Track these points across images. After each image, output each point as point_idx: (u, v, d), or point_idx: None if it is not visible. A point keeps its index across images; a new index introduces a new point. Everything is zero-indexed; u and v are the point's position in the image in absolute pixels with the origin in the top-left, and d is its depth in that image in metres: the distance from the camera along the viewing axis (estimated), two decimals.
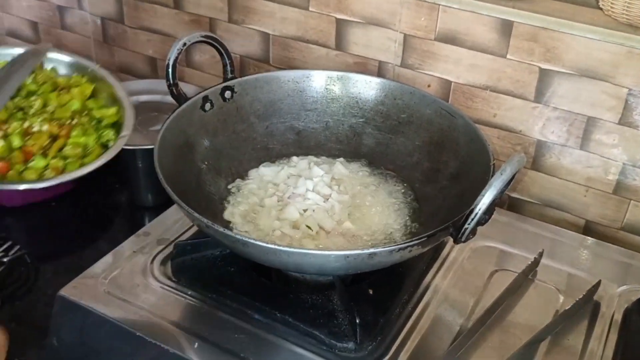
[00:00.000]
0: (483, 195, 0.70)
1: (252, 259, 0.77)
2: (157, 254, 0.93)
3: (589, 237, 1.03)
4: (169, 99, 0.96)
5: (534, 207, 1.13)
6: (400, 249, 0.72)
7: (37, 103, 1.09)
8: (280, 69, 1.27)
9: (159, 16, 1.37)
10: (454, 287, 0.91)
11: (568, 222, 1.11)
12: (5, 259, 0.98)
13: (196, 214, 0.74)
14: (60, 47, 1.56)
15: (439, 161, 0.97)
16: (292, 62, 1.24)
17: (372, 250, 0.71)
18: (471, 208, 0.71)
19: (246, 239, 0.71)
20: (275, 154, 1.04)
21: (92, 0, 1.44)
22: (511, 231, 1.03)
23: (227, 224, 0.91)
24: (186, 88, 0.97)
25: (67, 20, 1.52)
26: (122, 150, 1.05)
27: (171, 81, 0.93)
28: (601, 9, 0.97)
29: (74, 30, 1.52)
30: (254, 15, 1.24)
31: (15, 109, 1.08)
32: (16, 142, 1.01)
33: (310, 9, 1.18)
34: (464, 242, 0.75)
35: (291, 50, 1.24)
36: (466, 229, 0.72)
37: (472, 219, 0.71)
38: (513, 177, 0.73)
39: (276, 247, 0.71)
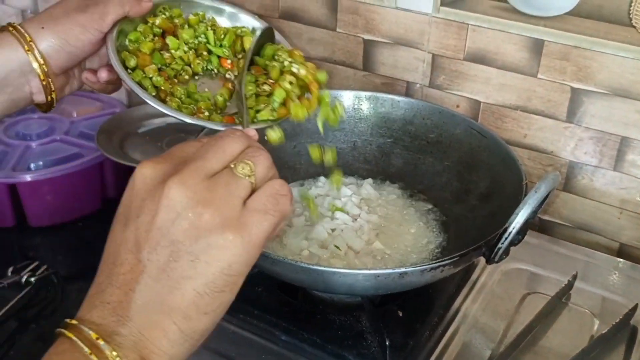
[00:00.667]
0: (517, 214, 0.68)
1: (281, 278, 0.76)
2: None
3: (623, 260, 1.00)
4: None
5: (566, 230, 1.11)
6: (432, 269, 0.70)
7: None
8: None
9: None
10: (484, 311, 0.89)
11: (601, 245, 1.09)
12: (32, 279, 0.97)
13: None
14: None
15: (469, 181, 0.95)
16: None
17: (403, 269, 0.69)
18: (505, 227, 0.69)
19: (275, 257, 0.70)
20: (302, 174, 1.04)
21: None
22: (543, 253, 1.01)
23: None
24: None
25: None
26: None
27: None
28: (634, 27, 0.95)
29: None
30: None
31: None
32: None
33: (338, 29, 1.17)
34: (497, 262, 0.73)
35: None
36: (499, 248, 0.71)
37: (506, 238, 0.69)
38: (547, 196, 0.72)
39: (306, 265, 0.69)
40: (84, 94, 1.58)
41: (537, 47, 1.01)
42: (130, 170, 0.51)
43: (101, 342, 0.44)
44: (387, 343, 0.77)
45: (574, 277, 0.93)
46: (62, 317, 0.86)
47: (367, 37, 1.15)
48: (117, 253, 0.47)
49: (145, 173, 0.48)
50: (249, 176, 0.49)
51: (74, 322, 0.46)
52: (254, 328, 0.83)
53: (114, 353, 0.44)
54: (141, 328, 0.45)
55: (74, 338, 0.45)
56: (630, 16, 0.93)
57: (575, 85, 1.00)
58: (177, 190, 0.46)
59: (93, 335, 0.44)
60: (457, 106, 1.11)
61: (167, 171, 0.48)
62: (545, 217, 1.12)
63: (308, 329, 0.81)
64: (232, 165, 0.49)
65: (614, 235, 1.08)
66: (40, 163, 1.21)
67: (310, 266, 0.69)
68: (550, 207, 1.11)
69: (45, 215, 1.15)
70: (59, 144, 1.29)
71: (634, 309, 0.88)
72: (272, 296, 0.86)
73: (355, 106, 1.04)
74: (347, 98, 1.04)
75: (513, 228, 0.68)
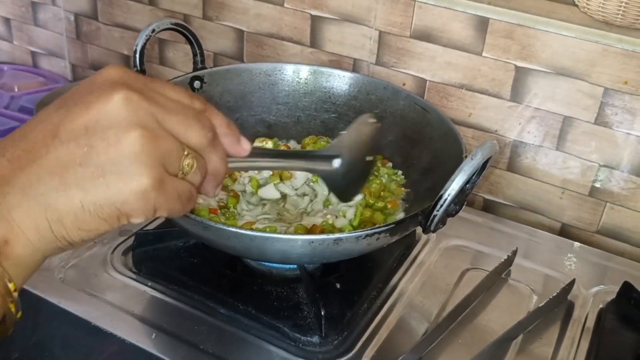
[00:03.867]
0: (452, 181, 0.67)
1: (213, 245, 0.74)
2: (119, 244, 0.90)
3: (564, 238, 1.01)
4: None
5: (510, 210, 1.11)
6: (367, 236, 0.69)
7: None
8: None
9: (133, 12, 1.34)
10: (424, 285, 0.89)
11: (544, 225, 1.09)
12: None
13: None
14: (33, 44, 1.54)
15: (411, 156, 0.95)
16: (265, 59, 1.22)
17: (337, 235, 0.68)
18: (440, 194, 0.68)
19: (207, 222, 0.68)
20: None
21: None
22: (485, 231, 1.01)
23: None
24: None
25: (40, 16, 1.49)
26: None
27: (138, 67, 0.90)
28: (577, 5, 0.96)
29: (47, 27, 1.49)
30: (228, 12, 1.22)
31: None
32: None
33: (286, 5, 1.16)
34: (434, 231, 0.72)
35: (265, 48, 1.22)
36: (435, 215, 0.70)
37: (441, 206, 0.68)
38: (485, 166, 0.71)
39: (238, 230, 0.68)
40: (26, 68, 1.54)
41: (482, 25, 1.01)
42: None
43: None
44: (322, 313, 0.76)
45: (514, 252, 0.93)
46: None
47: (314, 12, 1.14)
48: (32, 129, 0.43)
49: (112, 73, 0.45)
50: (185, 170, 0.46)
51: None
52: (189, 299, 0.81)
53: None
54: (12, 209, 0.42)
55: None
56: None
57: (520, 64, 1.01)
58: (127, 105, 0.43)
59: None
60: (404, 84, 1.11)
61: (133, 85, 0.44)
62: (489, 197, 1.12)
63: (244, 300, 0.79)
64: (185, 152, 0.46)
65: (556, 215, 1.08)
66: None
67: (242, 231, 0.67)
68: (494, 187, 1.11)
69: None
70: None
71: (571, 284, 0.89)
72: (209, 268, 0.84)
73: (300, 80, 1.02)
74: (292, 71, 1.02)
75: (448, 195, 0.68)
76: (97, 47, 1.44)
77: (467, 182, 0.69)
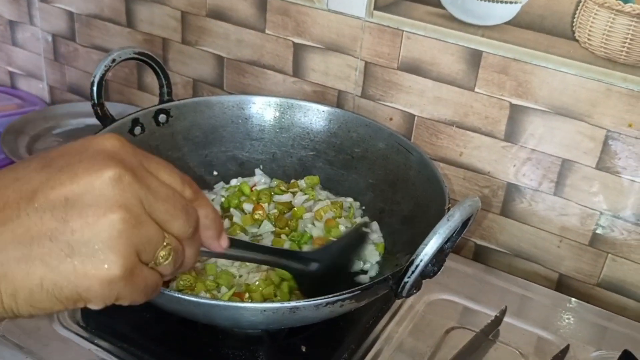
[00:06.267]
0: (425, 245, 0.59)
1: (160, 307, 0.66)
2: None
3: (561, 294, 0.92)
4: None
5: (503, 257, 1.03)
6: (328, 304, 0.61)
7: None
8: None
9: (111, 35, 1.27)
10: (402, 346, 0.80)
11: (540, 275, 1.00)
12: None
13: None
14: (11, 64, 1.47)
15: (392, 201, 0.87)
16: (246, 87, 1.15)
17: (294, 304, 0.60)
18: (411, 259, 0.60)
19: None
20: (213, 185, 0.94)
21: (43, 15, 1.35)
22: (475, 284, 0.92)
23: None
24: None
25: (18, 36, 1.42)
26: None
27: (95, 100, 0.83)
28: (578, 41, 0.87)
29: (25, 47, 1.42)
30: (208, 36, 1.15)
31: None
32: None
33: (267, 31, 1.08)
34: (406, 297, 0.64)
35: (246, 76, 1.14)
36: (406, 282, 0.61)
37: (412, 272, 0.60)
38: (466, 225, 0.63)
39: (181, 296, 0.60)
40: (3, 89, 1.48)
41: (474, 58, 0.93)
42: None
43: None
44: None
45: (503, 312, 0.84)
46: None
47: (297, 40, 1.06)
48: (6, 186, 0.39)
49: (109, 144, 0.41)
50: (159, 261, 0.43)
51: None
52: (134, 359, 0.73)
53: None
54: None
55: None
56: (574, 29, 0.86)
57: (515, 101, 0.92)
58: (117, 185, 0.39)
59: None
60: (390, 119, 1.03)
61: (128, 163, 0.41)
62: (481, 243, 1.04)
63: None
64: (165, 243, 0.42)
65: (553, 265, 1.00)
66: None
67: (186, 297, 0.59)
68: (486, 232, 1.03)
69: None
70: None
71: (565, 350, 0.80)
72: (162, 324, 0.76)
73: (276, 114, 0.95)
74: (267, 105, 0.95)
75: (420, 260, 0.59)
76: (75, 70, 1.37)
77: (445, 242, 0.61)
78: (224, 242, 0.50)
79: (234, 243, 0.55)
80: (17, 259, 0.38)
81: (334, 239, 0.78)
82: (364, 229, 0.80)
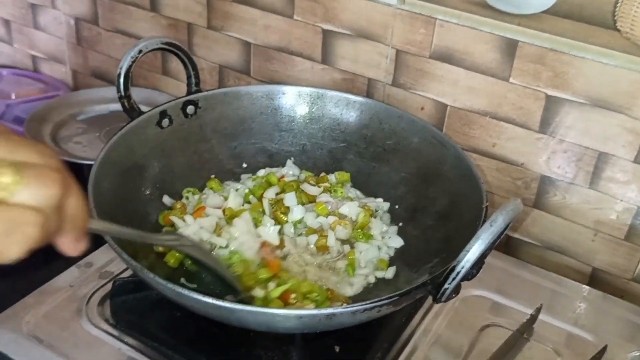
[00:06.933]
0: (468, 251, 0.58)
1: (192, 310, 0.65)
2: (97, 290, 0.81)
3: (595, 290, 0.90)
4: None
5: (535, 250, 1.01)
6: (365, 310, 0.60)
7: None
8: (262, 82, 1.15)
9: (135, 19, 1.25)
10: (436, 344, 0.79)
11: (573, 269, 0.98)
12: None
13: (125, 255, 0.62)
14: (34, 48, 1.46)
15: (426, 197, 0.85)
16: (274, 74, 1.13)
17: (330, 311, 0.59)
18: (453, 265, 0.58)
19: (180, 290, 0.59)
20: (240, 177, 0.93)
21: None
22: (507, 279, 0.91)
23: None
24: (161, 97, 0.86)
25: (41, 19, 1.40)
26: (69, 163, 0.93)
27: (122, 93, 0.82)
28: (619, 30, 0.84)
29: (47, 30, 1.41)
30: (235, 22, 1.13)
31: None
32: None
33: (295, 17, 1.06)
34: (445, 301, 0.63)
35: (273, 62, 1.12)
36: (447, 289, 0.60)
37: (454, 278, 0.59)
38: (506, 228, 0.61)
39: (216, 302, 0.58)
40: (26, 73, 1.47)
41: (510, 48, 0.90)
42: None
43: None
44: None
45: (538, 310, 0.83)
46: None
47: (326, 26, 1.04)
48: None
49: None
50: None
51: None
52: None
53: None
54: None
55: None
56: (615, 18, 0.82)
57: (551, 92, 0.90)
58: None
59: None
60: (422, 108, 1.00)
61: None
62: (513, 235, 1.02)
63: None
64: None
65: (587, 259, 0.97)
66: None
67: (222, 304, 0.58)
68: (518, 224, 1.00)
69: None
70: None
71: (603, 351, 0.78)
72: (193, 323, 0.75)
73: (306, 105, 0.93)
74: (297, 95, 0.93)
75: (462, 267, 0.58)
76: (98, 54, 1.36)
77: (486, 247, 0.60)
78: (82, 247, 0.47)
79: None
80: None
81: None
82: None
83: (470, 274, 0.63)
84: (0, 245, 0.38)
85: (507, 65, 0.91)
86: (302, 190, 0.87)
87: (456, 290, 0.62)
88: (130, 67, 0.81)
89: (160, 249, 0.79)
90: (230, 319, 0.62)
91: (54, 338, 0.74)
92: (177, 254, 0.78)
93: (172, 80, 1.27)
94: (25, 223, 0.39)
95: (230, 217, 0.82)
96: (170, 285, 0.60)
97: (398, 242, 0.84)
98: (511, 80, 0.92)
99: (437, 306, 0.84)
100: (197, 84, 0.89)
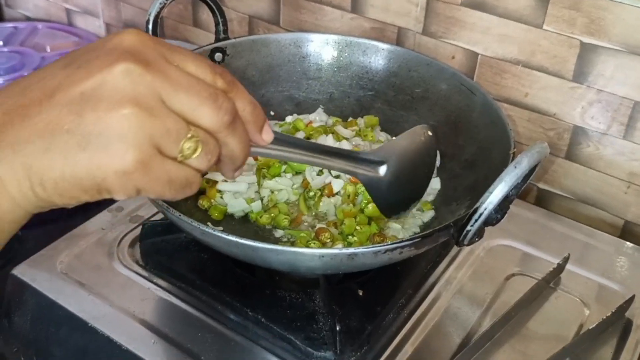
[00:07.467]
0: (490, 193, 0.57)
1: (215, 249, 0.66)
2: (127, 233, 0.83)
3: (626, 242, 0.89)
4: None
5: (566, 202, 1.00)
6: (387, 251, 0.60)
7: None
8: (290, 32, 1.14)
9: None
10: (460, 292, 0.79)
11: (605, 221, 0.97)
12: None
13: None
14: (68, 1, 1.47)
15: (454, 145, 0.84)
16: (303, 24, 1.12)
17: (352, 250, 0.59)
18: (475, 207, 0.58)
19: (204, 229, 0.60)
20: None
21: None
22: (536, 230, 0.90)
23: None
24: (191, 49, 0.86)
25: None
26: None
27: None
28: None
29: None
30: None
31: None
32: None
33: None
34: (468, 245, 0.62)
35: (303, 12, 1.11)
36: (469, 231, 0.59)
37: (476, 220, 0.58)
38: (533, 171, 0.60)
39: (239, 240, 0.59)
40: (61, 27, 1.48)
41: None
42: None
43: None
44: (337, 328, 0.67)
45: (566, 259, 0.82)
46: None
47: None
48: (32, 85, 0.41)
49: (126, 39, 0.41)
50: (186, 154, 0.42)
51: None
52: (195, 301, 0.74)
53: None
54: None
55: None
56: None
57: (586, 39, 0.87)
58: (127, 78, 0.40)
59: None
60: (453, 57, 0.99)
61: (144, 56, 0.41)
62: (544, 187, 1.00)
63: (254, 306, 0.72)
64: (189, 135, 0.41)
65: (619, 211, 0.96)
66: None
67: (244, 241, 0.59)
68: (550, 176, 0.99)
69: None
70: None
71: (630, 300, 0.77)
72: (220, 265, 0.76)
73: (334, 53, 0.92)
74: (324, 43, 0.92)
75: (485, 209, 0.57)
76: (130, 6, 1.36)
77: (511, 190, 0.59)
78: (267, 136, 0.48)
79: (282, 140, 0.52)
80: (41, 151, 0.39)
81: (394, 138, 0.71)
82: (425, 131, 0.72)
83: (495, 219, 0.63)
84: (172, 194, 0.42)
85: (541, 11, 0.89)
86: (336, 132, 0.87)
87: (479, 233, 0.62)
88: (159, 13, 0.81)
89: (205, 204, 0.81)
90: (254, 258, 0.62)
91: (86, 278, 0.77)
92: (221, 207, 0.79)
93: (202, 32, 1.27)
94: (195, 183, 0.43)
95: (263, 163, 0.83)
96: (195, 223, 0.61)
97: (436, 183, 0.84)
98: (545, 27, 0.90)
99: (462, 255, 0.84)
100: (225, 31, 0.89)
